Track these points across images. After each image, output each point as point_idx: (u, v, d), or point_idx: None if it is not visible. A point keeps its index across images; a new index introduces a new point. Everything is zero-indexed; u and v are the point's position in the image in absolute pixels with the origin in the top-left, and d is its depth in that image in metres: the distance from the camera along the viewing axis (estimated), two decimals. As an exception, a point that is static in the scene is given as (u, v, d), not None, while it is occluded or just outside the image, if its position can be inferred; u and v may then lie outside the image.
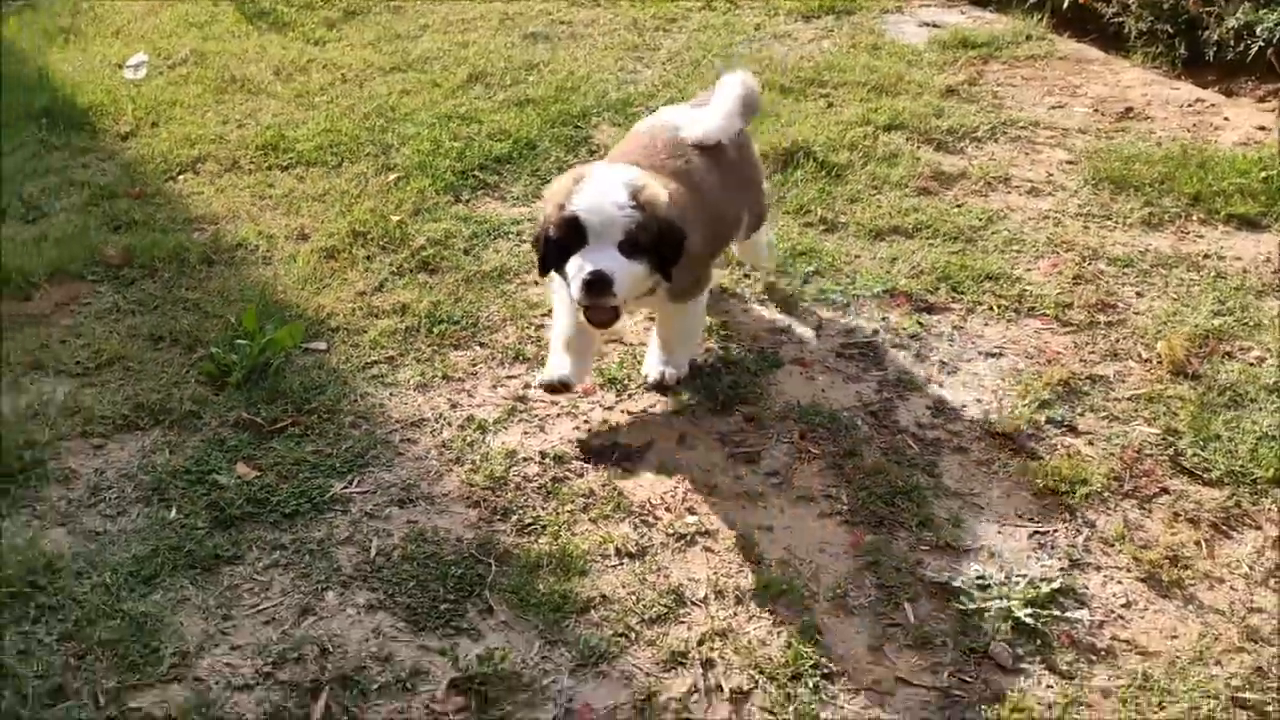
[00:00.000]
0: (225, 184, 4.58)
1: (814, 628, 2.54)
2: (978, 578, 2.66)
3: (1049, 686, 2.41)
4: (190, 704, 2.32)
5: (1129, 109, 5.33)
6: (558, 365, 3.11)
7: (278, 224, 4.24)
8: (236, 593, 2.62)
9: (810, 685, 2.40)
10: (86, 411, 3.20)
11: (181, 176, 4.67)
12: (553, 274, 2.96)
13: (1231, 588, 2.66)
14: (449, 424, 3.20)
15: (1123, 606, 2.62)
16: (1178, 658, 2.47)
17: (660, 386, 3.24)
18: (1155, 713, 2.33)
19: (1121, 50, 6.07)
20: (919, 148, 4.87)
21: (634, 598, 2.62)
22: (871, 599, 2.63)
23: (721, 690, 2.40)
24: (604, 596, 2.62)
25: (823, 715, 2.34)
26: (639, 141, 3.29)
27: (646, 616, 2.57)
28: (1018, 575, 2.66)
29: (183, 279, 3.87)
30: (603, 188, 2.82)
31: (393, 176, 4.59)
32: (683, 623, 2.56)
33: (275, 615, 2.56)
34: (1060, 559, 2.73)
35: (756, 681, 2.41)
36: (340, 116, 5.17)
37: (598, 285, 2.76)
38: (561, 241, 2.83)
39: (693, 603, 2.62)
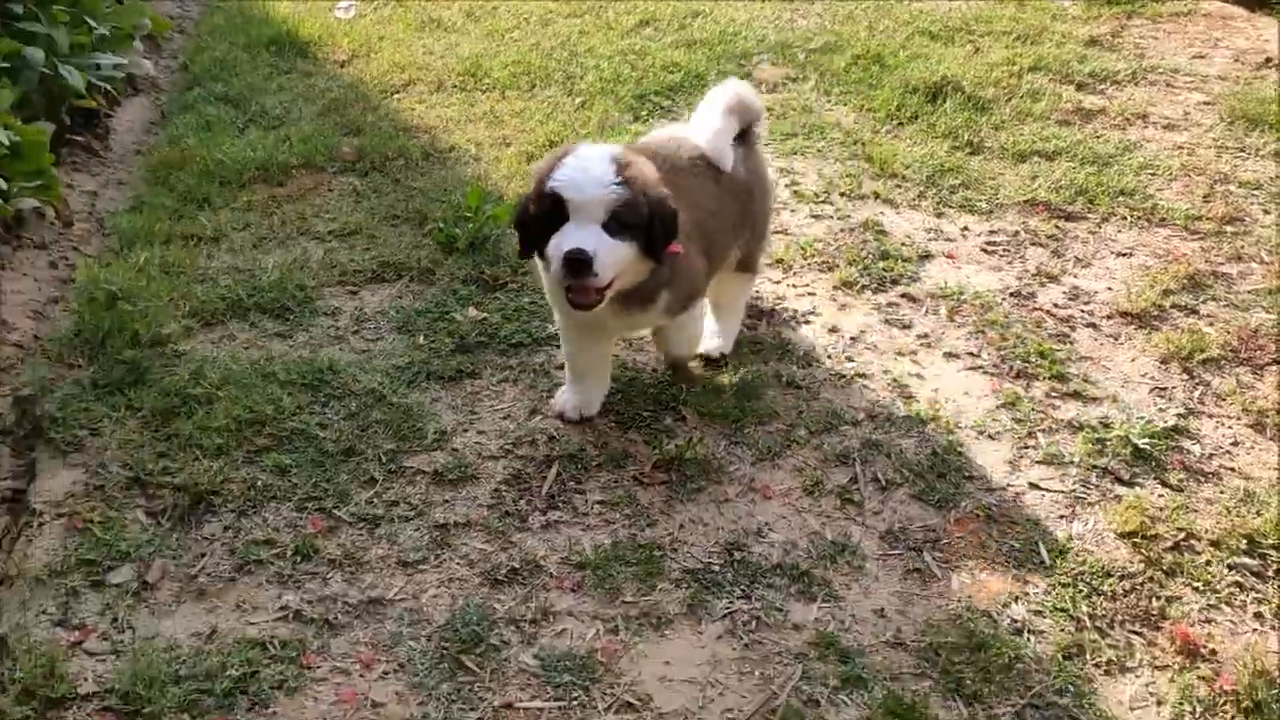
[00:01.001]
0: (434, 102, 5.24)
1: (957, 444, 3.01)
2: (1103, 418, 3.09)
3: (1160, 495, 2.83)
4: (452, 464, 2.93)
5: (1268, 59, 5.58)
6: (572, 399, 3.11)
7: (483, 134, 4.86)
8: (477, 397, 3.22)
9: (953, 482, 2.88)
10: (341, 266, 3.86)
11: (395, 96, 5.34)
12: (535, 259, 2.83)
13: (1332, 436, 3.03)
14: (640, 288, 3.75)
15: (1231, 444, 3.02)
16: (1277, 482, 2.87)
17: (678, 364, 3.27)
18: (1253, 518, 2.73)
19: (1265, 8, 6.27)
20: (1061, 87, 5.24)
21: (801, 416, 3.13)
22: (1008, 429, 3.08)
23: (878, 480, 2.90)
24: (776, 413, 3.14)
25: (962, 503, 2.81)
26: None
27: (812, 429, 3.08)
28: (1138, 416, 3.08)
29: (408, 172, 4.52)
30: (586, 163, 2.66)
31: (579, 100, 5.18)
32: (842, 435, 3.06)
33: (510, 413, 3.16)
34: (1177, 407, 3.13)
35: (906, 477, 2.90)
36: (528, 51, 5.78)
37: (578, 264, 2.60)
38: (542, 220, 2.69)
39: (851, 422, 3.11)
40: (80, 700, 2.27)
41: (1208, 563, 2.63)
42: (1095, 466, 2.93)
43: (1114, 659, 2.38)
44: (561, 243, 2.62)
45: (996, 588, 2.56)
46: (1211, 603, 2.53)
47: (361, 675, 2.35)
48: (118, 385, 3.18)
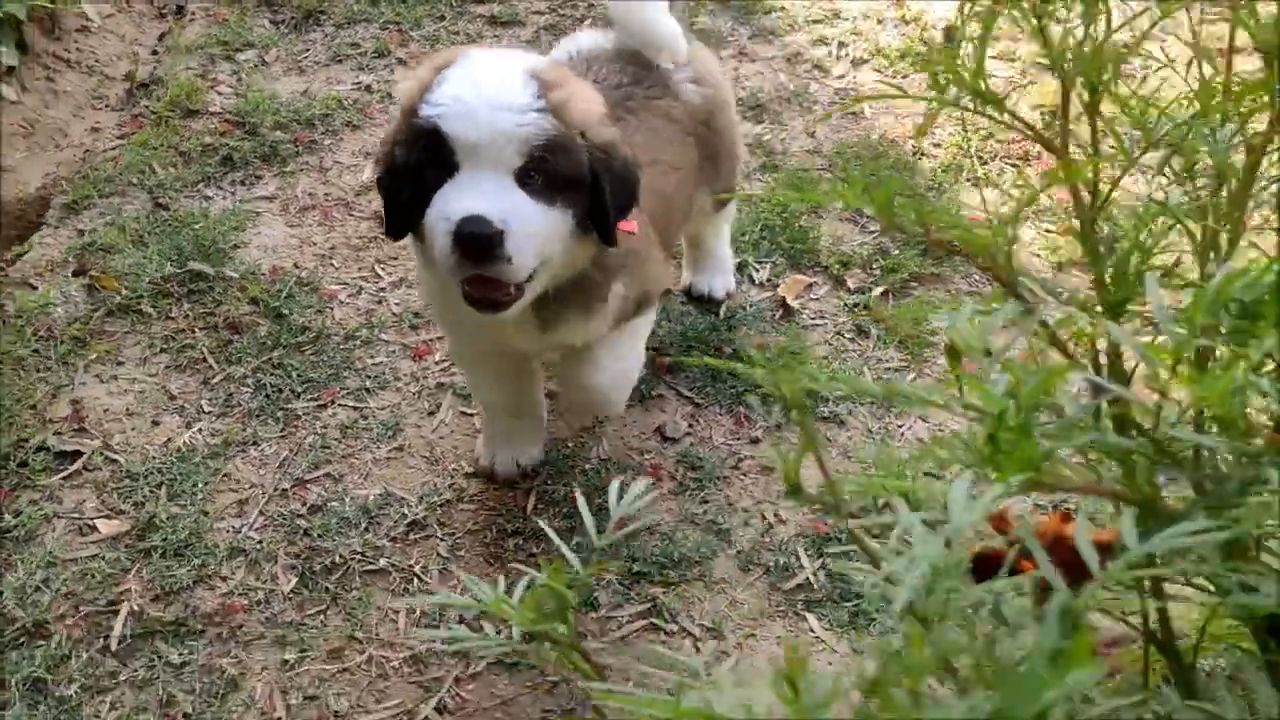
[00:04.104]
0: None
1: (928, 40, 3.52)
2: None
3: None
4: (504, 12, 3.63)
5: None
6: (498, 453, 2.14)
7: None
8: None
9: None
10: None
11: None
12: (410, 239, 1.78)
13: None
14: None
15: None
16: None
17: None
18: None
19: None
20: None
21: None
22: (978, 35, 3.55)
23: (848, 59, 3.46)
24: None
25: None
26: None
27: (810, 19, 3.63)
28: None
29: None
30: (483, 75, 1.64)
31: None
32: (833, 27, 3.61)
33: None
34: None
35: (870, 56, 3.45)
36: None
37: (477, 242, 1.59)
38: (418, 170, 1.65)
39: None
40: (209, 114, 3.16)
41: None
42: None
43: (984, 177, 2.97)
44: (448, 207, 1.61)
45: (910, 128, 3.15)
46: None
47: (407, 127, 3.16)
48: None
